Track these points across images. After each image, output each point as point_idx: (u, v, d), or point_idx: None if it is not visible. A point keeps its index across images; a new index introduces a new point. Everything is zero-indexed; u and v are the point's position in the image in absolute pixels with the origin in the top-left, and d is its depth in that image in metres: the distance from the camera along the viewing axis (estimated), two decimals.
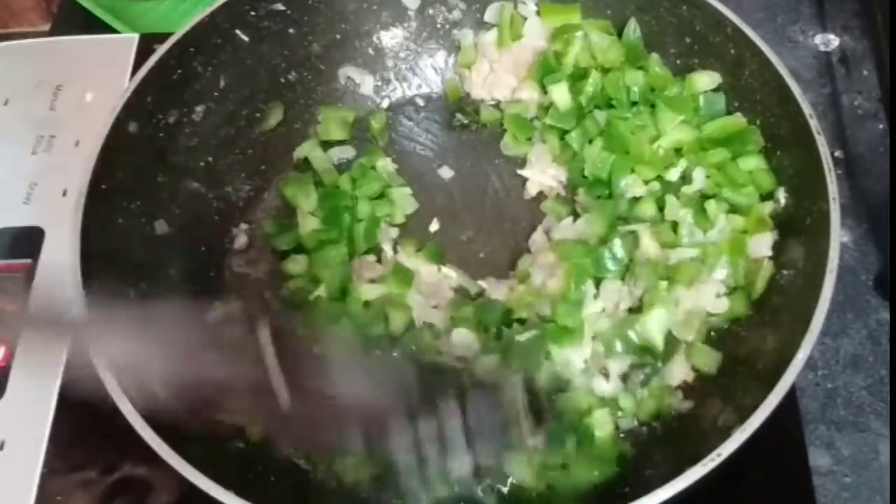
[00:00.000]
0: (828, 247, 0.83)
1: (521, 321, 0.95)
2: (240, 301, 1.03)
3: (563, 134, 1.07)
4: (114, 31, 1.30)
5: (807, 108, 0.91)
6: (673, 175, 1.00)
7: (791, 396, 0.93)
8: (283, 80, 1.13)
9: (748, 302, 0.93)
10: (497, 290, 1.00)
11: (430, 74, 1.21)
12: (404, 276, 0.99)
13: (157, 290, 0.96)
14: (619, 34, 1.08)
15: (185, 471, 0.75)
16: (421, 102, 1.20)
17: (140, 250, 0.97)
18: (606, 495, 0.87)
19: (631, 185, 1.01)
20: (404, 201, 1.09)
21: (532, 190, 1.11)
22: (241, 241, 1.08)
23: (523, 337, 0.91)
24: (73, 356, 0.97)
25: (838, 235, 0.84)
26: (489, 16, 1.15)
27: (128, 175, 0.96)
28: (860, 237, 1.09)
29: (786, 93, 0.93)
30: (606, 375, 0.91)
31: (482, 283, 1.02)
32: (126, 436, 0.76)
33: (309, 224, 1.05)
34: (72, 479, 0.93)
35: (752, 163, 0.97)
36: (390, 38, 1.19)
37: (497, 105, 1.17)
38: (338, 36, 1.16)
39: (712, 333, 0.95)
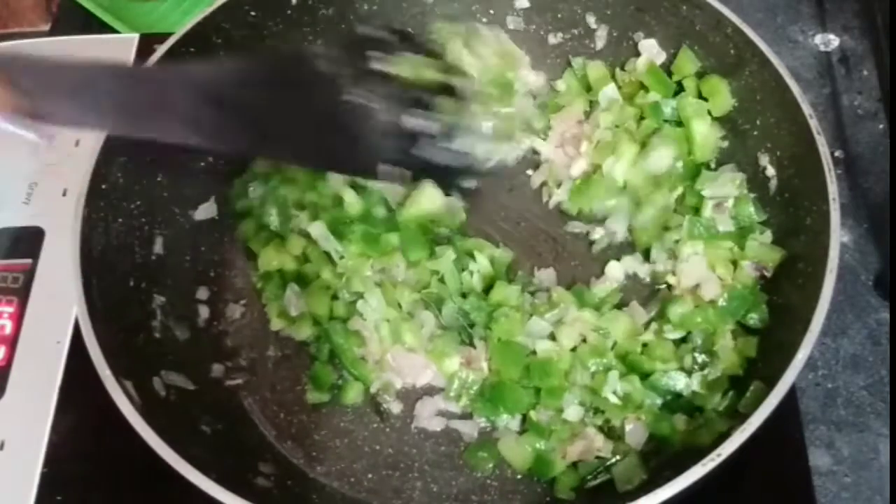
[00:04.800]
0: (828, 247, 0.83)
1: None
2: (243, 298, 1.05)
3: None
4: (114, 31, 1.30)
5: (807, 109, 0.91)
6: None
7: (791, 396, 0.92)
8: None
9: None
10: None
11: None
12: None
13: (158, 289, 0.97)
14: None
15: (185, 471, 0.75)
16: None
17: (140, 250, 0.97)
18: (607, 495, 0.87)
19: None
20: None
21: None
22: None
23: None
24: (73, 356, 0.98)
25: (838, 235, 0.84)
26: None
27: (128, 175, 0.96)
28: (860, 237, 1.09)
29: (786, 93, 0.93)
30: None
31: None
32: (126, 436, 0.76)
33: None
34: (72, 479, 0.93)
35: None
36: None
37: None
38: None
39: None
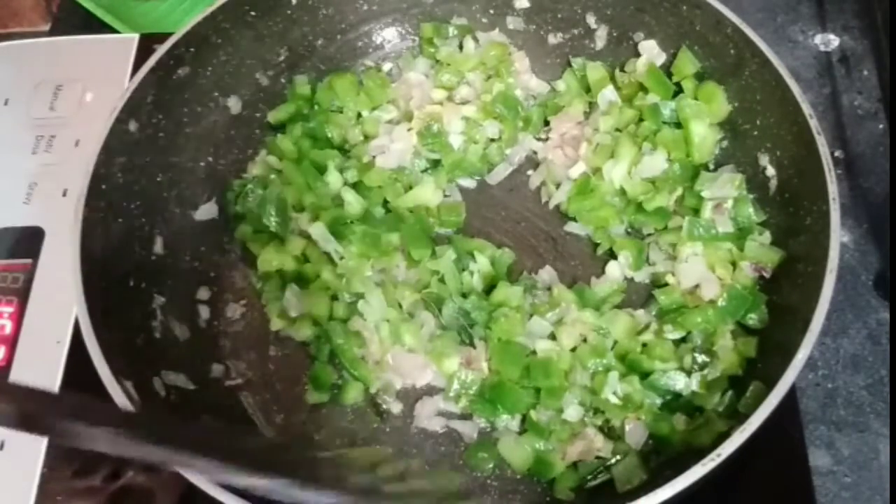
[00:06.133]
0: (828, 247, 0.83)
1: None
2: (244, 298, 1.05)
3: None
4: (114, 31, 1.30)
5: (807, 108, 0.91)
6: None
7: (791, 396, 0.93)
8: (283, 81, 1.14)
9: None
10: None
11: None
12: None
13: (158, 289, 0.97)
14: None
15: (185, 471, 0.74)
16: None
17: (140, 250, 0.97)
18: (607, 495, 0.87)
19: None
20: None
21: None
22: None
23: None
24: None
25: (838, 235, 0.84)
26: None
27: (128, 175, 0.96)
28: (860, 237, 1.09)
29: (786, 93, 0.93)
30: None
31: None
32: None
33: None
34: (72, 479, 0.93)
35: None
36: (391, 35, 1.19)
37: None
38: (339, 36, 1.16)
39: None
